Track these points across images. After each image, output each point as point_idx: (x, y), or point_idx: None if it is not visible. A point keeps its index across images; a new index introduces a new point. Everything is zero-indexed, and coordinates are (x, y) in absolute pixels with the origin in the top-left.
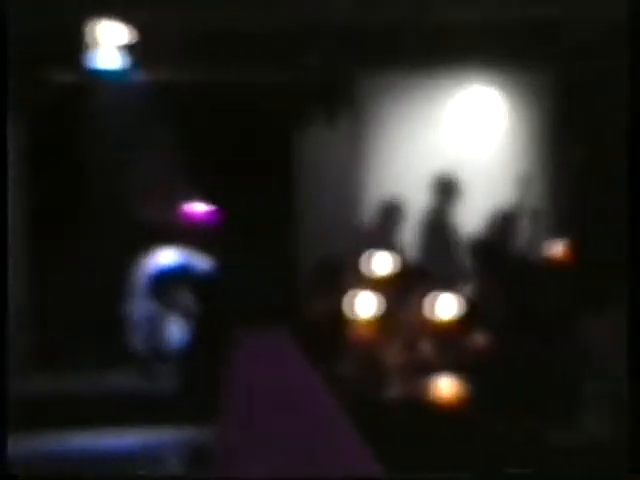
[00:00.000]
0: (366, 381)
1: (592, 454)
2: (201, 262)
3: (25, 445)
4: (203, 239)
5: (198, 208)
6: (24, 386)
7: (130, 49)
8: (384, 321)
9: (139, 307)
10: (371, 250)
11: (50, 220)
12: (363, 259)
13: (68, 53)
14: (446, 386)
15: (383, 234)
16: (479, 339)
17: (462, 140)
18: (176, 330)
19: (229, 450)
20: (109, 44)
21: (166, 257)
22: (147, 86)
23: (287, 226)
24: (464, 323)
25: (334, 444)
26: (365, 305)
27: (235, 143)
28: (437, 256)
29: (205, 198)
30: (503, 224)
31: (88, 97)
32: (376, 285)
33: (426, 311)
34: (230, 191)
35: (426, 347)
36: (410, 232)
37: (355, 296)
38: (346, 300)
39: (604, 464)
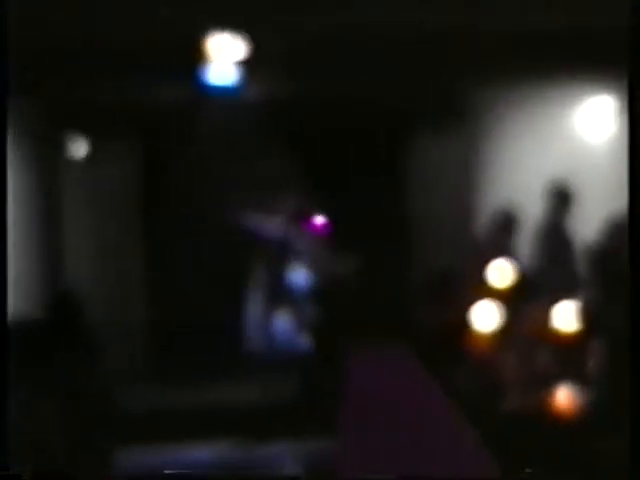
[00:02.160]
0: (484, 393)
1: None
2: (315, 274)
3: (136, 458)
4: (316, 251)
5: (311, 220)
6: (136, 400)
7: (241, 64)
8: (502, 332)
9: (255, 317)
10: (488, 260)
11: (163, 236)
12: (480, 269)
13: (180, 68)
14: (565, 397)
15: (499, 244)
16: (597, 349)
17: (576, 148)
18: (293, 340)
19: (350, 464)
20: (222, 59)
21: (284, 269)
22: (258, 101)
23: (402, 238)
24: (582, 333)
25: (455, 453)
26: (483, 316)
27: (347, 156)
28: (554, 265)
29: (317, 211)
30: (619, 232)
31: (200, 113)
32: (493, 295)
33: (544, 321)
34: (343, 203)
35: (544, 358)
36: (526, 241)
37: (473, 307)
38: (464, 311)
39: None
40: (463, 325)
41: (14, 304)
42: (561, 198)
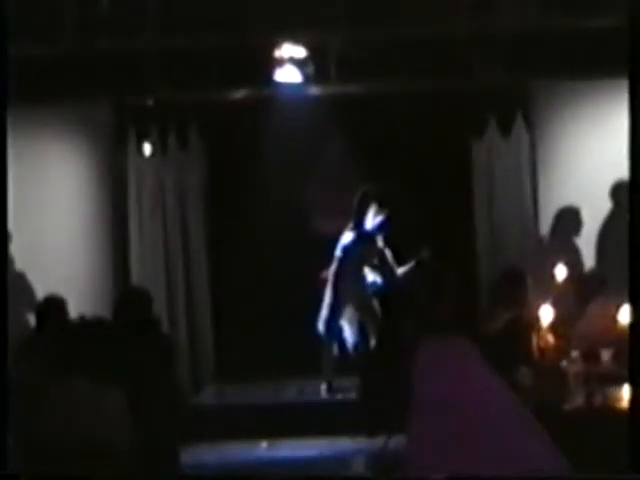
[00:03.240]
0: (547, 391)
1: None
2: (382, 272)
3: (201, 454)
4: (384, 253)
5: (373, 219)
6: (204, 398)
7: (308, 65)
8: (565, 330)
9: (323, 317)
10: (550, 259)
11: (229, 235)
12: (542, 268)
13: (249, 70)
14: (627, 396)
15: (562, 243)
16: None
17: None
18: (360, 339)
19: (418, 462)
20: (289, 61)
21: (352, 269)
22: (323, 99)
23: (465, 235)
24: None
25: (522, 447)
26: (546, 314)
27: (410, 153)
28: (618, 264)
29: (380, 209)
30: None
31: (268, 111)
32: (556, 294)
33: (607, 319)
34: (406, 202)
35: (608, 356)
36: (588, 240)
37: (536, 305)
38: (527, 310)
39: None
40: (527, 324)
41: (83, 302)
42: (626, 197)
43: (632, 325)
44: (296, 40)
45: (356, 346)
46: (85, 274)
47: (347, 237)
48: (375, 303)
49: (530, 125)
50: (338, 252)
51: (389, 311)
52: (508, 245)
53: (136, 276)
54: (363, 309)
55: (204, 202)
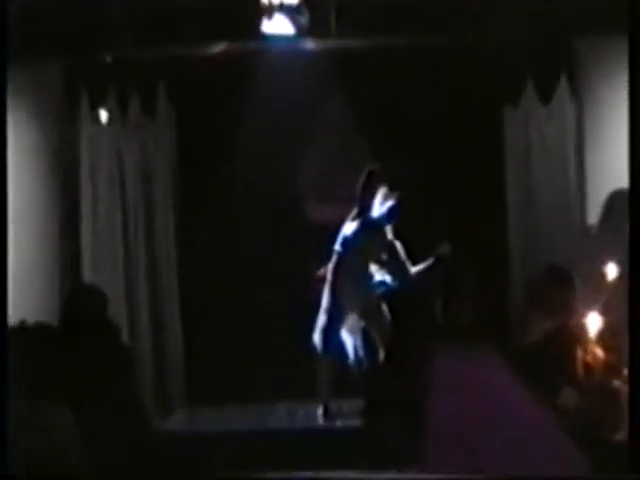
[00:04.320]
0: (595, 415)
1: None
2: (392, 270)
3: None
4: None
5: (381, 205)
6: (174, 423)
7: (302, 14)
8: (616, 342)
9: (324, 327)
10: (599, 255)
11: (203, 223)
12: (590, 266)
13: (230, 19)
14: None
15: (614, 234)
16: None
17: None
18: (367, 352)
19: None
20: (279, 9)
21: (357, 269)
22: (320, 55)
23: (495, 226)
24: None
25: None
26: (593, 323)
27: (426, 124)
28: None
29: (390, 192)
30: None
31: (253, 69)
32: (606, 298)
33: None
34: (421, 184)
35: None
36: None
37: (581, 312)
38: (571, 317)
39: None
40: (574, 334)
41: (25, 303)
42: None
43: None
44: None
45: (360, 361)
46: (28, 269)
47: (349, 227)
48: (383, 308)
49: (575, 90)
50: (338, 245)
51: (400, 318)
52: (548, 238)
53: (88, 272)
54: (368, 315)
55: (173, 180)
